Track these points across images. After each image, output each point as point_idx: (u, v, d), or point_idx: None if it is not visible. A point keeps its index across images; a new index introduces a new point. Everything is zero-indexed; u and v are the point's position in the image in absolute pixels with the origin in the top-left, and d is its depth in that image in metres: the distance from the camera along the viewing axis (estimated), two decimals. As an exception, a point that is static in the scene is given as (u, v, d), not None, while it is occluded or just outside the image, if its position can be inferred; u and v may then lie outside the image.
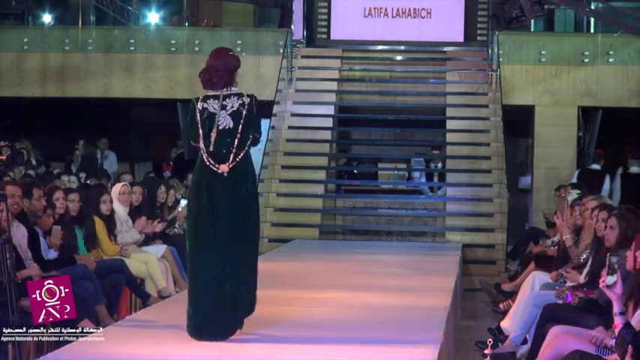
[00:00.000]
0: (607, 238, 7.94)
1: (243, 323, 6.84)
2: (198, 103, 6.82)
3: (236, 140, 6.74)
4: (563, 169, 15.93)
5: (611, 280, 5.91)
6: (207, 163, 6.75)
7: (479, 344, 9.07)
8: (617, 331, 5.84)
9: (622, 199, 14.79)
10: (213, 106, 6.82)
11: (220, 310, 6.69)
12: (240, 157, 6.76)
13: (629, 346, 5.67)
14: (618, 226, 7.81)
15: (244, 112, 6.80)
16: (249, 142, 6.81)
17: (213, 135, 6.73)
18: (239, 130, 6.75)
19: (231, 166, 6.73)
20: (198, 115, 6.78)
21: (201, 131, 6.76)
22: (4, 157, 6.71)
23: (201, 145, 6.76)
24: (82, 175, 14.57)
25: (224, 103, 6.83)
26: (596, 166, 15.37)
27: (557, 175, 15.86)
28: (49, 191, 9.18)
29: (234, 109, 6.82)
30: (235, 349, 6.57)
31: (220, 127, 6.75)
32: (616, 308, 5.92)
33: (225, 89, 6.87)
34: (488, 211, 15.06)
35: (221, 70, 6.90)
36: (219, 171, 6.73)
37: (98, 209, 10.26)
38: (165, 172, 17.30)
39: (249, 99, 6.87)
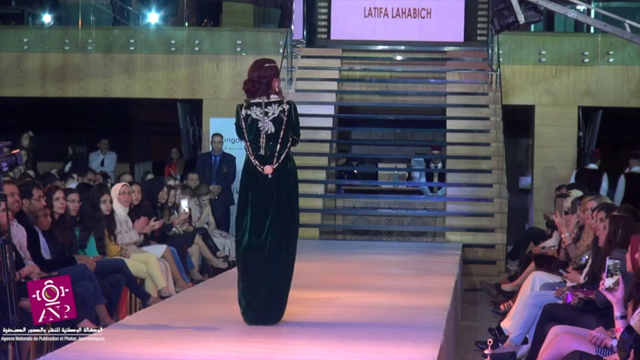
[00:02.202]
0: (600, 237, 8.00)
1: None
2: (242, 110, 7.50)
3: (278, 144, 7.46)
4: (563, 169, 15.93)
5: (609, 282, 5.89)
6: (255, 164, 7.46)
7: (479, 344, 9.07)
8: (618, 334, 5.82)
9: (625, 198, 14.82)
10: (255, 112, 7.47)
11: (266, 297, 7.39)
12: (282, 158, 7.47)
13: (631, 350, 5.66)
14: (608, 226, 7.86)
15: (285, 118, 7.46)
16: (289, 143, 7.52)
17: (263, 140, 7.43)
18: (281, 135, 7.45)
19: (275, 167, 7.45)
20: (242, 121, 7.47)
21: (247, 136, 7.46)
22: (6, 156, 6.68)
23: (249, 148, 7.48)
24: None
25: (266, 110, 7.47)
26: (593, 166, 15.38)
27: (557, 175, 15.87)
28: (49, 191, 9.17)
29: (275, 115, 7.47)
30: (235, 348, 6.57)
31: (262, 132, 7.44)
32: (617, 312, 5.90)
33: (265, 97, 7.49)
34: (489, 211, 15.06)
35: (255, 82, 7.49)
36: (264, 172, 7.43)
37: (98, 209, 10.25)
38: (173, 173, 17.22)
39: (288, 105, 7.52)
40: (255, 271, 7.41)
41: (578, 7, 14.17)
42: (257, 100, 7.48)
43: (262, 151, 7.45)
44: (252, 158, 7.47)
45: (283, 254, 7.48)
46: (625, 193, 15.08)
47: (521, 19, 11.29)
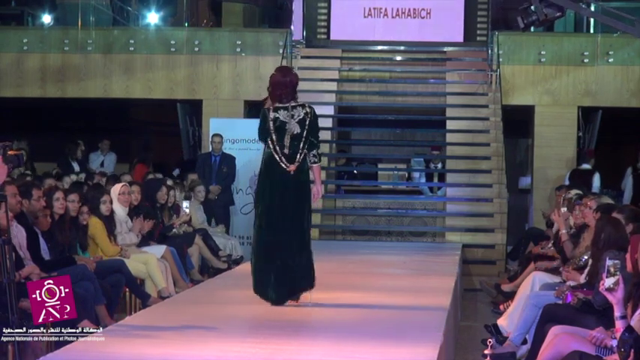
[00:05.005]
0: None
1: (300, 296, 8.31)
2: (270, 113, 8.25)
3: (301, 144, 8.25)
4: (563, 169, 15.93)
5: (609, 282, 5.88)
6: (279, 162, 8.22)
7: (484, 341, 9.03)
8: (618, 335, 5.81)
9: (633, 197, 14.88)
10: (283, 115, 8.25)
11: (284, 281, 8.15)
12: (302, 157, 8.28)
13: (632, 350, 5.65)
14: (594, 228, 7.89)
15: (308, 120, 8.28)
16: (307, 145, 8.30)
17: (287, 140, 8.20)
18: (304, 135, 8.26)
19: (297, 165, 8.25)
20: (272, 123, 8.22)
21: (274, 136, 8.19)
22: (10, 156, 6.67)
23: (276, 147, 8.21)
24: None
25: (292, 113, 8.27)
26: (586, 166, 15.41)
27: (556, 175, 15.87)
28: (49, 191, 9.17)
29: (300, 117, 8.28)
30: (235, 348, 6.57)
31: (288, 133, 8.20)
32: (617, 312, 5.88)
33: (292, 101, 8.30)
34: (488, 212, 15.07)
35: (288, 86, 8.30)
36: (288, 169, 8.22)
37: (98, 209, 10.25)
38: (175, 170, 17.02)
39: (310, 109, 8.35)
40: (282, 249, 8.18)
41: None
42: (284, 105, 8.26)
43: (287, 150, 8.21)
44: (277, 156, 8.21)
45: (304, 231, 8.34)
46: (634, 191, 15.16)
47: (541, 16, 11.38)
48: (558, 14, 11.63)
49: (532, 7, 11.45)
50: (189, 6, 18.41)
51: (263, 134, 8.30)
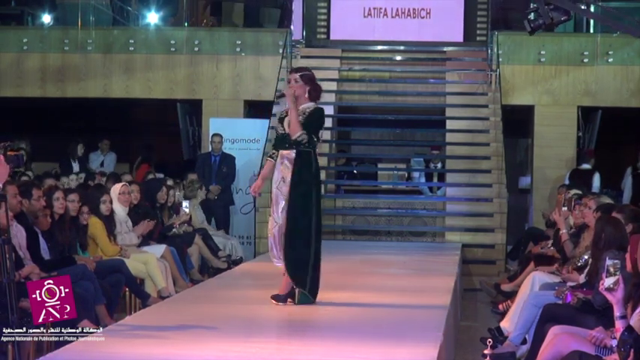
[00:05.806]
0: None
1: None
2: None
3: None
4: (563, 169, 15.94)
5: (608, 282, 5.88)
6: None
7: (483, 340, 9.04)
8: (618, 334, 5.82)
9: (633, 197, 14.89)
10: None
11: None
12: None
13: (631, 350, 5.65)
14: (594, 228, 7.89)
15: None
16: None
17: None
18: None
19: None
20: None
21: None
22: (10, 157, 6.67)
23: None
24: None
25: None
26: (586, 166, 15.41)
27: (556, 175, 15.88)
28: (49, 191, 9.17)
29: None
30: (235, 348, 6.57)
31: None
32: (617, 312, 5.88)
33: None
34: (488, 211, 15.07)
35: None
36: None
37: (98, 209, 10.25)
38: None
39: None
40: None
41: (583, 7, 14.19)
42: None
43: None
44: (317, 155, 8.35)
45: None
46: (634, 192, 15.16)
47: (547, 19, 11.43)
48: (564, 18, 11.66)
49: (538, 11, 11.48)
50: (189, 6, 18.41)
51: (320, 130, 8.34)
